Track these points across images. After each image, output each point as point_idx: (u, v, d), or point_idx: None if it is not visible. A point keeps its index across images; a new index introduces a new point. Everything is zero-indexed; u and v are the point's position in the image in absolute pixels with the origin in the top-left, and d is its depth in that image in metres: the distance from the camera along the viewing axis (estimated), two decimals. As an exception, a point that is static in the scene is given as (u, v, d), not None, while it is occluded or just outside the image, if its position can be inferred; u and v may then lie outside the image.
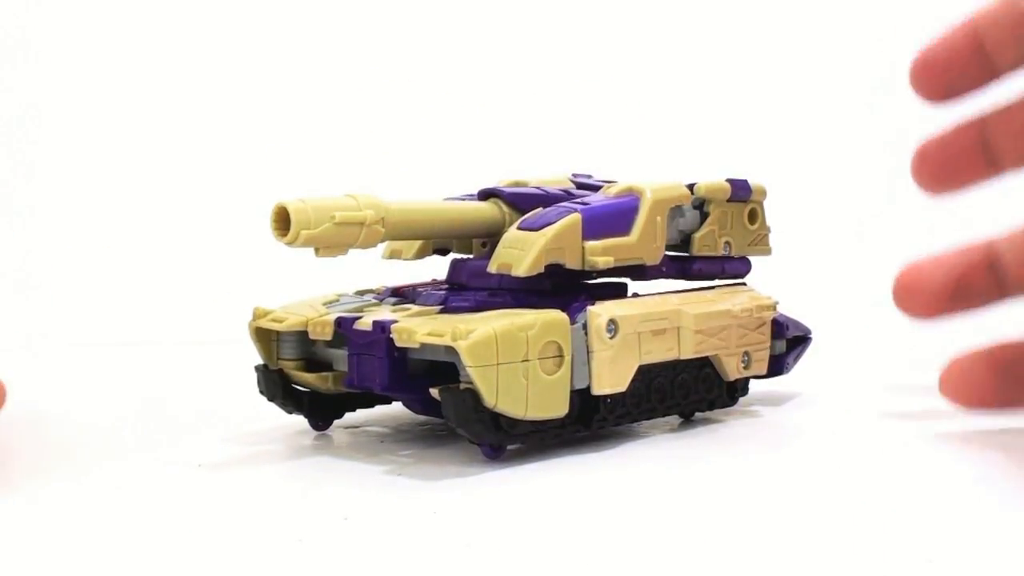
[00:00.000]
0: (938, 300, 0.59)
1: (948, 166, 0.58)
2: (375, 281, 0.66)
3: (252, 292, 0.70)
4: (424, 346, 0.53)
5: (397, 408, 0.65)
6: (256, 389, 0.62)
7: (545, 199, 0.62)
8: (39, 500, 0.51)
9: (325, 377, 0.60)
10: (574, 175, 0.69)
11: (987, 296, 0.59)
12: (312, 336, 0.59)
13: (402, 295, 0.63)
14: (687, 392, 0.62)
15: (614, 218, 0.60)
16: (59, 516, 0.48)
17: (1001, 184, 0.58)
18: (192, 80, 1.19)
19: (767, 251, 0.69)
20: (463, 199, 0.63)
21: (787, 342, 0.68)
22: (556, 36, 1.19)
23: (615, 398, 0.58)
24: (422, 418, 0.64)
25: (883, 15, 1.14)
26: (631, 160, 0.92)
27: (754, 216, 0.68)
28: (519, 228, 0.58)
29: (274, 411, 0.63)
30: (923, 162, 0.58)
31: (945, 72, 0.56)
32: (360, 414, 0.65)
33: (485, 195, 0.63)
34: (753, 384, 0.67)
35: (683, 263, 0.65)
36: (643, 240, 0.61)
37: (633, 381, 0.58)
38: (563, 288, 0.59)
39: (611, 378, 0.57)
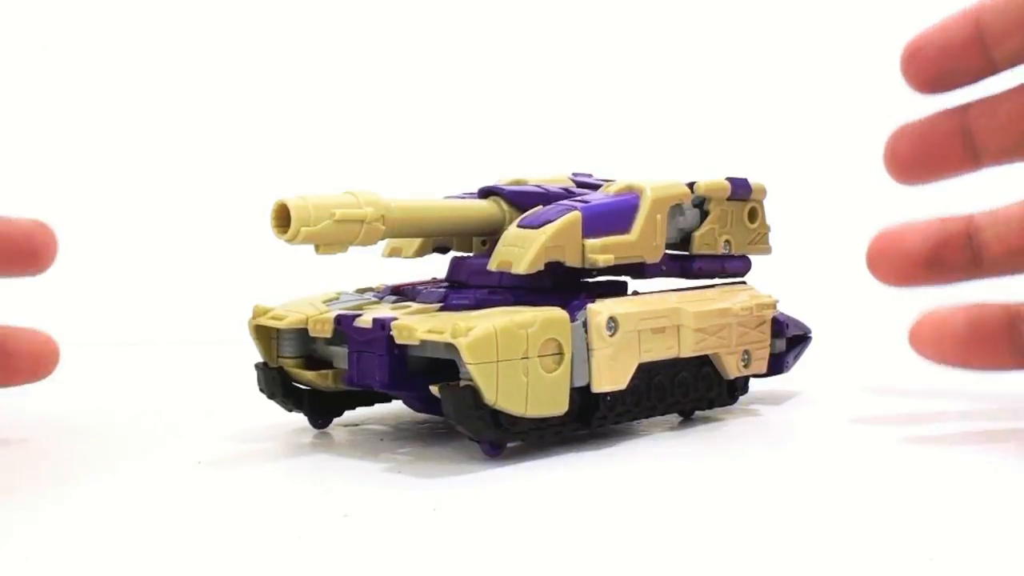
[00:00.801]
0: (913, 267, 0.58)
1: (925, 155, 0.56)
2: (375, 279, 0.66)
3: (252, 290, 0.70)
4: (424, 343, 0.53)
5: (397, 406, 0.65)
6: (256, 387, 0.62)
7: (545, 197, 0.62)
8: (39, 499, 0.51)
9: (325, 375, 0.60)
10: (574, 173, 0.69)
11: (962, 270, 0.58)
12: (312, 334, 0.59)
13: (402, 293, 0.63)
14: (687, 390, 0.62)
15: (614, 216, 0.60)
16: (59, 515, 0.48)
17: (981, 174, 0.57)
18: (192, 80, 1.19)
19: (767, 250, 0.69)
20: (463, 197, 0.64)
21: (787, 341, 0.68)
22: (556, 36, 1.19)
23: (615, 396, 0.58)
24: (422, 416, 0.64)
25: (883, 14, 1.14)
26: (631, 159, 0.92)
27: (754, 215, 0.68)
28: (519, 226, 0.58)
29: (274, 409, 0.63)
30: (898, 148, 0.57)
31: (939, 60, 0.55)
32: (360, 412, 0.65)
33: (485, 193, 0.63)
34: (753, 383, 0.67)
35: (683, 261, 0.65)
36: (643, 238, 0.61)
37: (633, 379, 0.58)
38: (563, 286, 0.59)
39: (611, 376, 0.57)
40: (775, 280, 0.69)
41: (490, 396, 0.53)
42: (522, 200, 0.62)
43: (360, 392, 0.61)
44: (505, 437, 0.55)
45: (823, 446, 0.60)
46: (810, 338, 0.71)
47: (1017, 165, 0.56)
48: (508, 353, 0.53)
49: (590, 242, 0.59)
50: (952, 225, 0.58)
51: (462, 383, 0.53)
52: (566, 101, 1.18)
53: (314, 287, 0.64)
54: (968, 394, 0.69)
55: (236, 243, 1.06)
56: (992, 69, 0.55)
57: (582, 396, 0.57)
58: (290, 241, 0.54)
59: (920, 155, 0.57)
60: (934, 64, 0.55)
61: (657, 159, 0.97)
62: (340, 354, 0.59)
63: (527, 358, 0.54)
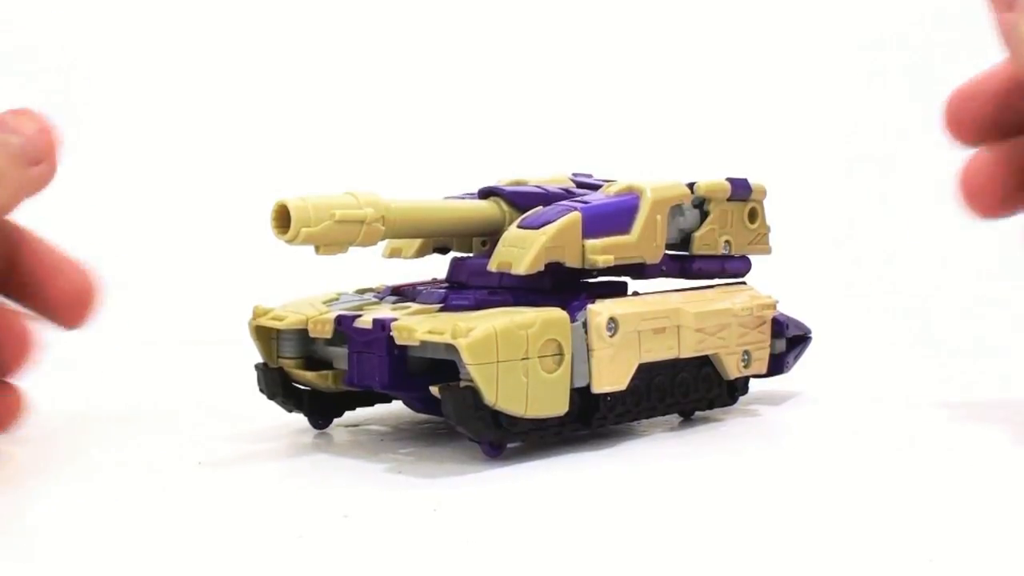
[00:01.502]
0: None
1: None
2: (375, 279, 0.66)
3: (252, 290, 0.70)
4: (424, 344, 0.53)
5: (397, 406, 0.65)
6: (256, 388, 0.62)
7: (545, 198, 0.62)
8: (39, 498, 0.51)
9: (325, 375, 0.60)
10: (574, 174, 0.69)
11: None
12: (312, 334, 0.59)
13: (402, 293, 0.63)
14: (687, 391, 0.62)
15: (614, 217, 0.60)
16: (59, 514, 0.48)
17: None
18: (192, 80, 1.19)
19: (767, 250, 0.69)
20: (463, 198, 0.64)
21: (787, 341, 0.68)
22: (556, 36, 1.20)
23: (615, 396, 0.58)
24: (422, 416, 0.64)
25: (884, 14, 1.14)
26: (631, 159, 0.92)
27: (754, 215, 0.68)
28: (519, 226, 0.58)
29: (274, 409, 0.63)
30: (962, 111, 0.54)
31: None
32: (360, 412, 0.65)
33: (485, 194, 0.63)
34: (753, 383, 0.67)
35: (683, 262, 0.65)
36: (643, 239, 0.61)
37: (633, 379, 0.58)
38: (563, 286, 0.59)
39: (611, 376, 0.57)
40: (775, 280, 0.69)
41: (490, 397, 0.53)
42: (522, 201, 0.62)
43: (360, 393, 0.61)
44: (505, 437, 0.55)
45: (823, 446, 0.60)
46: (810, 338, 0.71)
47: None
48: (508, 354, 0.53)
49: (590, 243, 0.59)
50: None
51: (462, 384, 0.53)
52: (566, 101, 1.18)
53: (314, 288, 0.64)
54: (969, 396, 0.69)
55: (236, 243, 1.06)
56: None
57: (582, 396, 0.57)
58: (290, 242, 0.54)
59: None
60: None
61: (657, 159, 0.97)
62: (340, 355, 0.59)
63: (527, 359, 0.54)
